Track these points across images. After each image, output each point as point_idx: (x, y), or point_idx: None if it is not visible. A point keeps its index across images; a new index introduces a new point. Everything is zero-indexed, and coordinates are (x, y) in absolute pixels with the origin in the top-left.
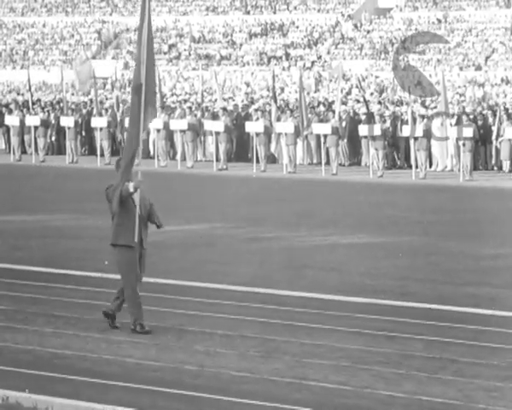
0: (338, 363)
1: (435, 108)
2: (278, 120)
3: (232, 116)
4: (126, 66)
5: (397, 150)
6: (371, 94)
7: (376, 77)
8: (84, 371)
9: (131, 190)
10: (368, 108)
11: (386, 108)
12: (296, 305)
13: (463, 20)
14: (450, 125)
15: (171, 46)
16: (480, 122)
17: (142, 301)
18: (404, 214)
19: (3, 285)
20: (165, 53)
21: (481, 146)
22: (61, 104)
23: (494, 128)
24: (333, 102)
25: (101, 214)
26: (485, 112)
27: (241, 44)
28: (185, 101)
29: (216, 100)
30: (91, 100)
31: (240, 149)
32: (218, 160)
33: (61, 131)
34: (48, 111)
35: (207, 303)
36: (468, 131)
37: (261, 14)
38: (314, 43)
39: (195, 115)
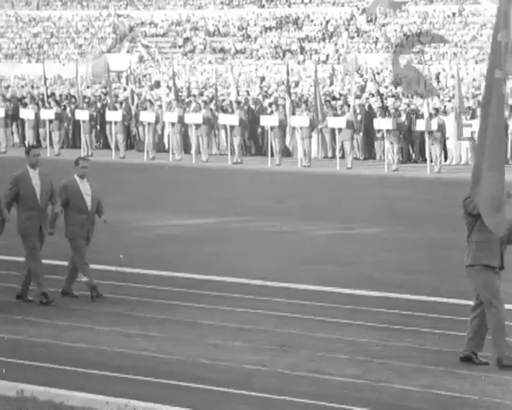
0: (353, 357)
1: (449, 101)
2: (293, 113)
3: (244, 110)
4: (141, 59)
5: (411, 144)
6: (386, 87)
7: (391, 71)
8: (99, 364)
9: None
10: (382, 101)
11: (400, 101)
12: (311, 299)
13: (479, 13)
14: (466, 119)
15: (185, 40)
16: None
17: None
18: (419, 208)
19: (18, 279)
20: (179, 46)
21: None
22: (77, 98)
23: (510, 122)
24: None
25: (117, 207)
26: None
27: (255, 38)
28: (200, 94)
29: (230, 93)
30: (106, 93)
31: (254, 142)
32: (232, 153)
33: (76, 125)
34: (64, 105)
35: (221, 297)
36: None
37: (276, 7)
38: (329, 37)
39: (211, 109)
